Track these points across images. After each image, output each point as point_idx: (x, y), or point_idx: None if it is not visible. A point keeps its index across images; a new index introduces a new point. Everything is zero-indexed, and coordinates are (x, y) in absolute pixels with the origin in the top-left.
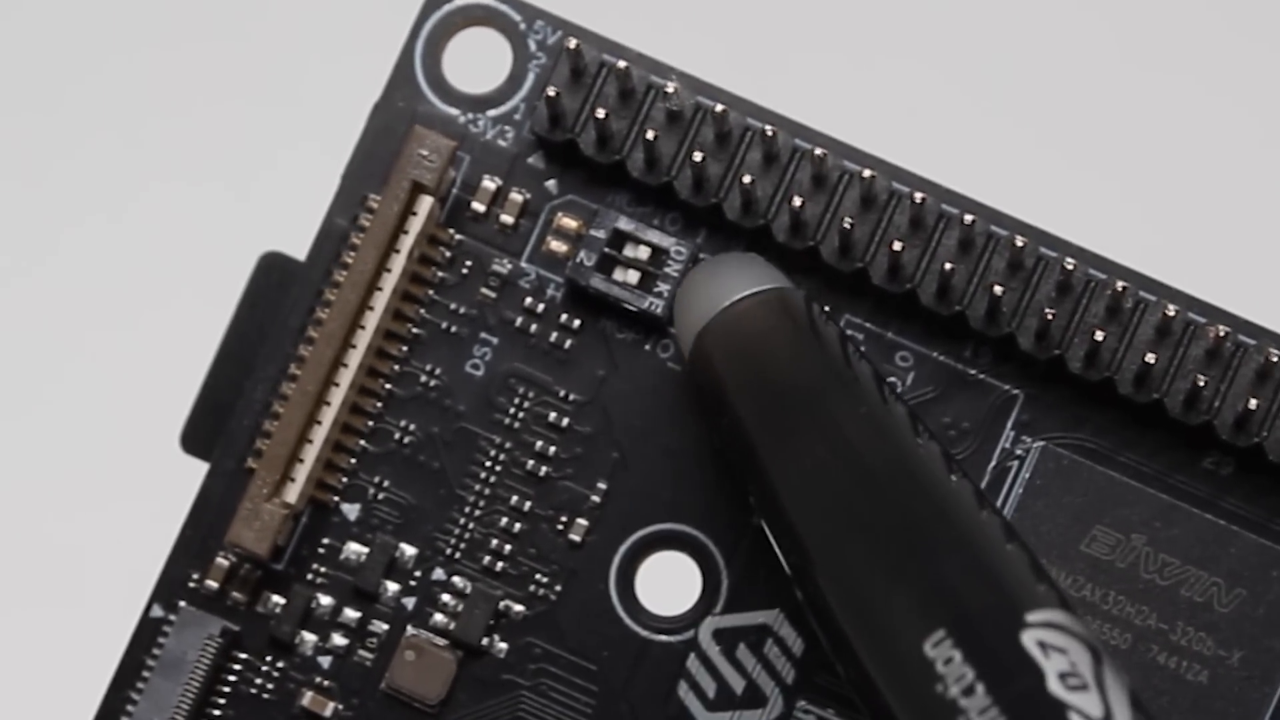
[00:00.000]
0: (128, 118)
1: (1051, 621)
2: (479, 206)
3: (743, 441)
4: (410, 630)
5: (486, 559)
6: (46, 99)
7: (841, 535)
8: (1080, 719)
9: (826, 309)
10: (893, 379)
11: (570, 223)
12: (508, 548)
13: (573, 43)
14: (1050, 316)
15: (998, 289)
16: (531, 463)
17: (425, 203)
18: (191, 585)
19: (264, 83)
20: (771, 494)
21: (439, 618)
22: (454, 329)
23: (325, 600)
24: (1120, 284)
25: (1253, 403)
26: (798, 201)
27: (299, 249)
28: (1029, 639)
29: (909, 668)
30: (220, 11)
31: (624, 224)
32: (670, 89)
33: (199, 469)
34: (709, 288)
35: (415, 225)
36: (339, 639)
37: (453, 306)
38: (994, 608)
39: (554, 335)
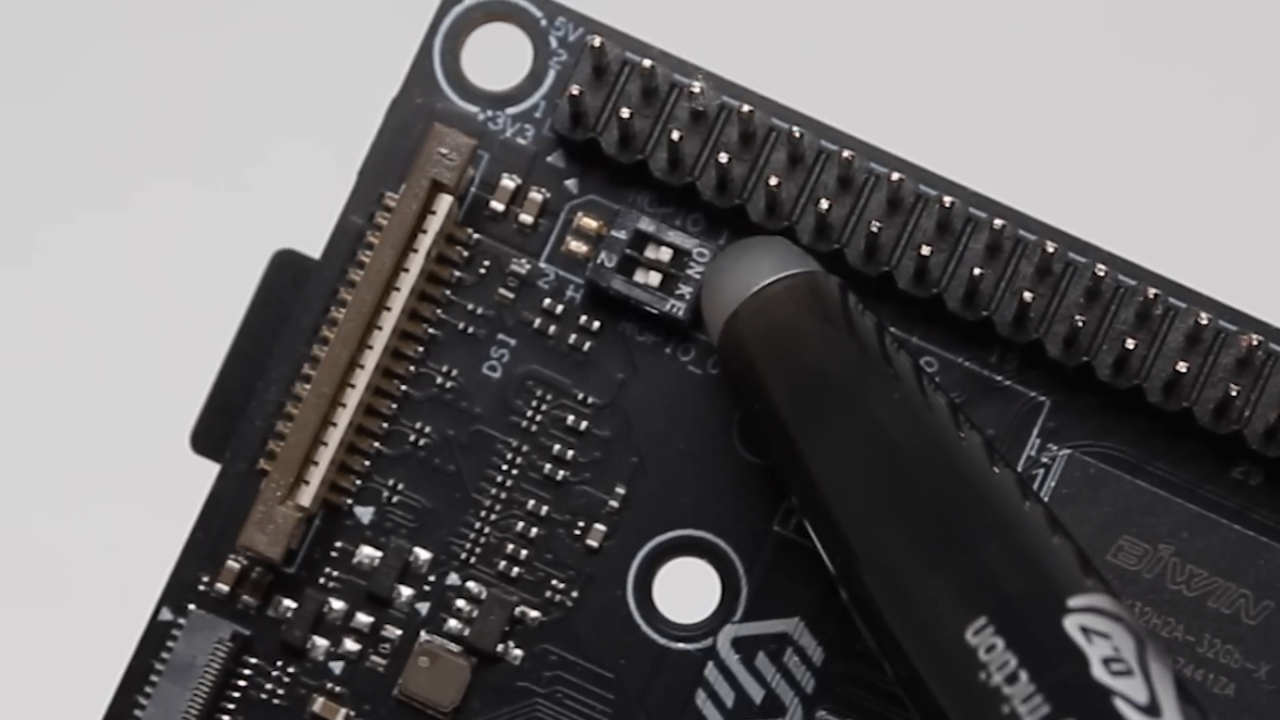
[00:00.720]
0: (141, 110)
1: (1094, 606)
2: (498, 205)
3: (776, 427)
4: (424, 636)
5: (502, 564)
6: (56, 90)
7: (879, 521)
8: (1125, 704)
9: (861, 301)
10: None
11: (591, 223)
12: (524, 553)
13: (596, 40)
14: (1079, 323)
15: (1026, 294)
16: (549, 466)
17: (444, 201)
18: (201, 588)
19: (280, 76)
20: (807, 478)
21: (453, 623)
22: (471, 330)
23: (338, 605)
24: (1151, 291)
25: None
26: (823, 204)
27: (313, 247)
28: (1071, 624)
29: (951, 656)
30: (236, 1)
31: (645, 225)
32: (695, 88)
33: (209, 470)
34: (738, 271)
35: (433, 224)
36: (351, 644)
37: (470, 307)
38: (1035, 593)
39: (573, 337)
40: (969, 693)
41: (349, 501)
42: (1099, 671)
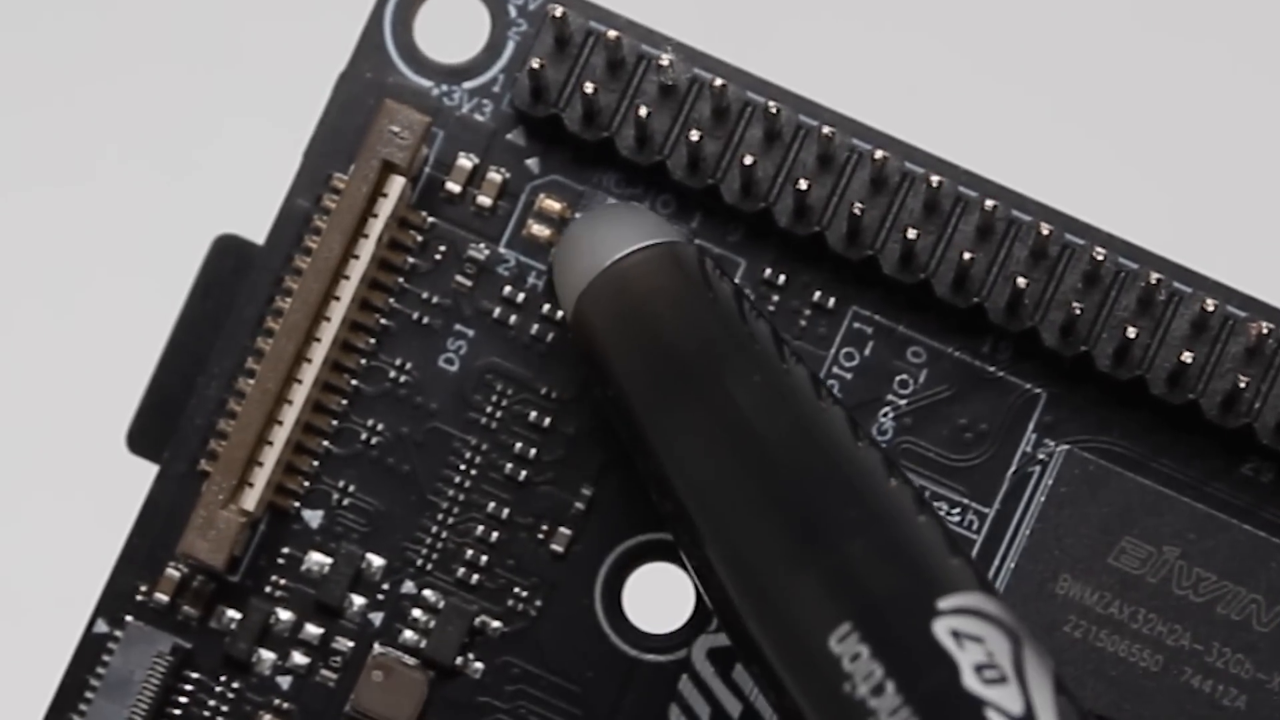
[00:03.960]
0: (75, 87)
1: (966, 607)
2: (454, 187)
3: (628, 416)
4: (377, 648)
5: (461, 571)
6: None
7: (737, 519)
8: (999, 716)
9: (719, 267)
10: (904, 376)
11: (553, 205)
12: (484, 559)
13: (557, 9)
14: (1077, 310)
15: (1020, 280)
16: (510, 466)
17: (396, 183)
18: (139, 599)
19: (219, 48)
20: (660, 474)
21: (409, 635)
22: (426, 320)
23: (285, 615)
24: (1153, 275)
25: None
26: (802, 184)
27: (257, 232)
28: (941, 628)
29: (815, 666)
30: None
31: None
32: (664, 61)
33: (147, 471)
34: (590, 244)
35: (385, 207)
36: (300, 657)
37: (425, 296)
38: (903, 595)
39: (535, 327)
40: (834, 705)
41: (296, 504)
42: (970, 680)
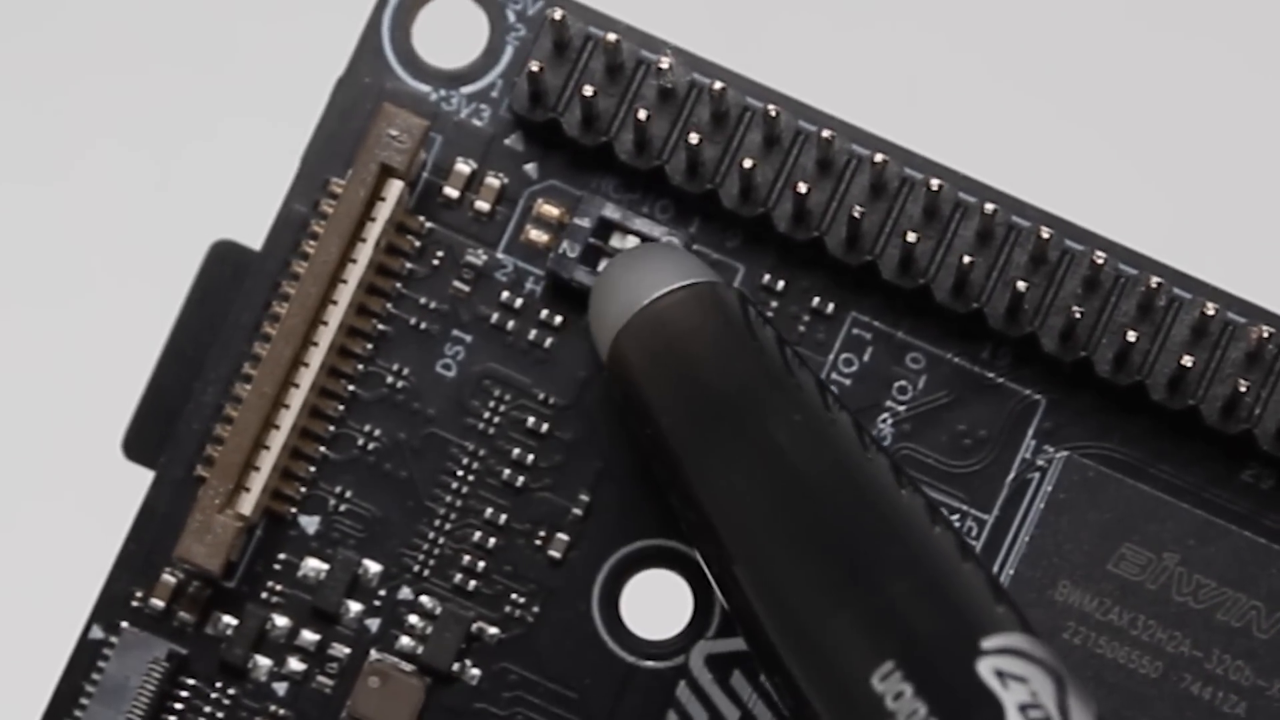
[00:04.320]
0: (71, 87)
1: (1010, 647)
2: (452, 192)
3: (666, 455)
4: (374, 654)
5: (458, 577)
6: None
7: (778, 558)
8: None
9: (761, 313)
10: (903, 382)
11: (552, 210)
12: (481, 565)
13: (556, 13)
14: (1076, 315)
15: (1019, 285)
16: (508, 472)
17: (394, 187)
18: (135, 604)
19: (216, 51)
20: (700, 513)
21: (405, 641)
22: (424, 325)
23: (281, 621)
24: (1153, 280)
25: None
26: (802, 188)
27: (254, 237)
28: (986, 668)
29: (857, 704)
30: None
31: (610, 212)
32: (663, 65)
33: (143, 477)
34: (628, 282)
35: (383, 212)
36: (296, 664)
37: (423, 301)
38: (947, 635)
39: (533, 333)
40: None
41: (293, 510)
42: None
